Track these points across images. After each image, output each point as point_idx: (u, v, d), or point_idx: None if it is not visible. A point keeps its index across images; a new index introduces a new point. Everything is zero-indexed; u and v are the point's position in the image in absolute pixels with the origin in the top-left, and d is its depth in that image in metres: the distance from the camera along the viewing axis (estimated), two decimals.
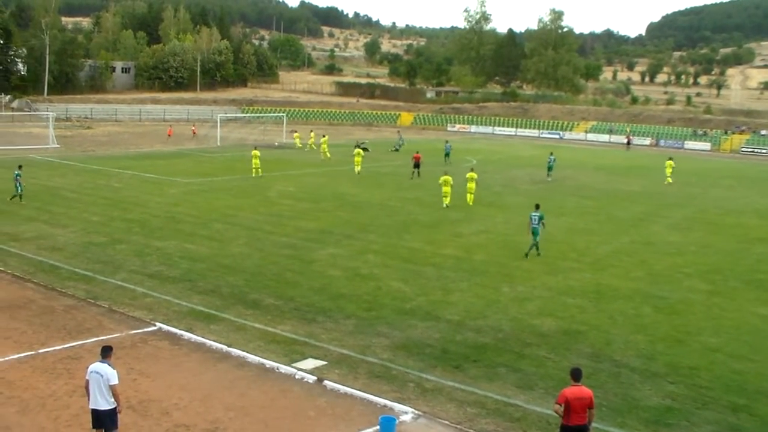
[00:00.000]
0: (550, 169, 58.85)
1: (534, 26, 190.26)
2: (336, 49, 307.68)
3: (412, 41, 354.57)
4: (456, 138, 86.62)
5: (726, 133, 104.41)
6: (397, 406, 15.92)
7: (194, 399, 15.90)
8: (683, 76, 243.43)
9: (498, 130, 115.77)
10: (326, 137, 68.58)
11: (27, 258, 27.48)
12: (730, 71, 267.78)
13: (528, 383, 17.60)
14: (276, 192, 45.26)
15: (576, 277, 27.73)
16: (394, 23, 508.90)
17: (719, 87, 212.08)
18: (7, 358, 17.78)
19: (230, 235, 32.47)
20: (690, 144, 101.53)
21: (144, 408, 15.42)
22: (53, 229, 32.37)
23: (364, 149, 67.34)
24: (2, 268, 25.91)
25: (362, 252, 30.19)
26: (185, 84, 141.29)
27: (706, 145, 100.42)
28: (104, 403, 13.10)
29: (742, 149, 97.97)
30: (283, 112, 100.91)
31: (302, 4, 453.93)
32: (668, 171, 58.80)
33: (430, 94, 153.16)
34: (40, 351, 18.34)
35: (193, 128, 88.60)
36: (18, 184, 38.39)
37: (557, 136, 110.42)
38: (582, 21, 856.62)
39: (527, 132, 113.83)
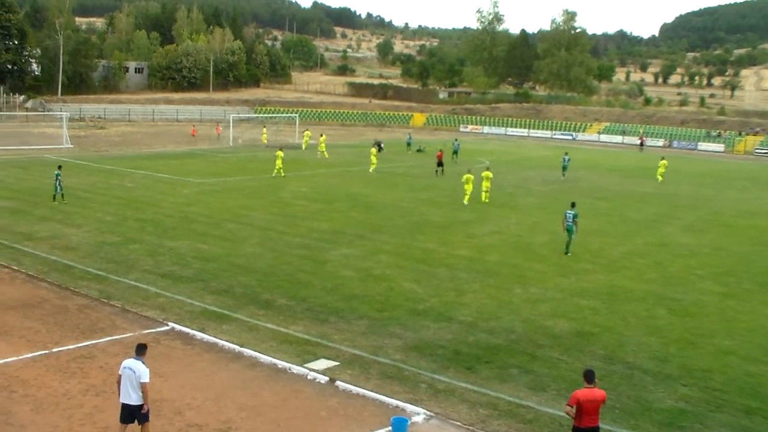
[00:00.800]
0: (564, 168, 59.64)
1: (547, 27, 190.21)
2: (348, 50, 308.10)
3: (425, 42, 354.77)
4: (468, 139, 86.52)
5: (740, 134, 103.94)
6: (409, 407, 15.92)
7: (207, 399, 15.93)
8: (697, 77, 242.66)
9: (511, 131, 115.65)
10: (324, 137, 68.43)
11: (41, 257, 27.60)
12: (744, 72, 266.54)
13: (540, 385, 17.57)
14: (289, 192, 45.31)
15: (589, 278, 27.66)
16: (406, 24, 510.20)
17: (733, 88, 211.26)
18: (21, 357, 17.86)
19: (243, 235, 32.53)
20: (703, 145, 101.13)
21: (156, 408, 15.43)
22: (67, 229, 32.50)
23: (380, 148, 67.69)
24: (16, 267, 26.04)
25: (375, 252, 30.19)
26: (198, 84, 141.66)
27: (719, 147, 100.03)
28: (136, 398, 13.45)
29: (756, 151, 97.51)
30: (296, 113, 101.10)
31: (315, 4, 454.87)
32: (661, 170, 60.09)
33: (442, 95, 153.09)
34: (54, 350, 18.42)
35: (218, 128, 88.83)
36: (58, 184, 38.70)
37: (570, 137, 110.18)
38: (595, 22, 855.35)
39: (540, 133, 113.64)
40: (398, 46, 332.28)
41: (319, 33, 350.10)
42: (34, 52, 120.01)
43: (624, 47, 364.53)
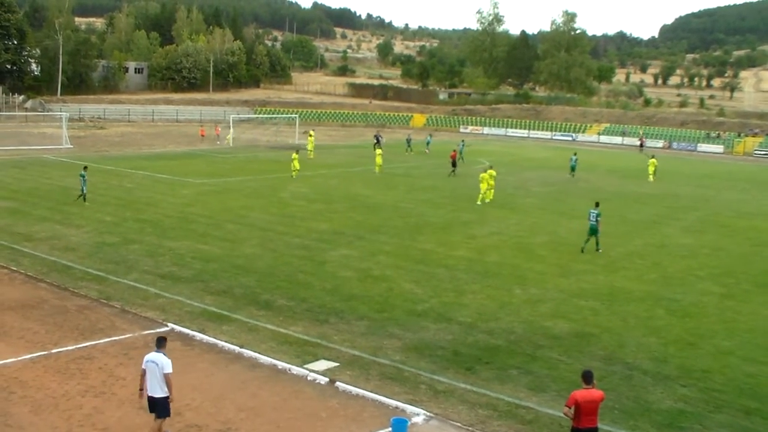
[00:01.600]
0: (572, 169, 60.61)
1: (547, 28, 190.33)
2: (349, 51, 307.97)
3: (425, 43, 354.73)
4: (468, 140, 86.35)
5: (739, 135, 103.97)
6: (409, 408, 15.91)
7: (206, 400, 15.92)
8: (696, 79, 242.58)
9: (511, 131, 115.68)
10: (312, 137, 68.14)
11: (40, 258, 27.59)
12: (743, 74, 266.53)
13: (540, 385, 17.56)
14: (289, 193, 45.30)
15: (589, 279, 27.66)
16: (406, 24, 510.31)
17: (732, 89, 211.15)
18: (20, 358, 17.85)
19: (243, 236, 32.52)
20: (703, 146, 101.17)
21: None
22: (66, 229, 32.49)
23: (378, 141, 68.09)
24: (15, 268, 26.03)
25: (374, 253, 30.19)
26: (198, 85, 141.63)
27: (719, 148, 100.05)
28: (159, 391, 13.75)
29: (756, 152, 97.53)
30: (296, 113, 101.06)
31: (315, 5, 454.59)
32: (651, 169, 60.88)
33: (442, 96, 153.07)
34: (53, 351, 18.41)
35: (216, 129, 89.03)
36: (83, 184, 38.80)
37: (570, 138, 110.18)
38: (595, 23, 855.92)
39: (540, 134, 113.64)
40: (398, 47, 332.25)
41: (319, 33, 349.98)
42: (34, 52, 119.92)
43: (624, 48, 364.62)
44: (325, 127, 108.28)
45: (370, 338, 20.25)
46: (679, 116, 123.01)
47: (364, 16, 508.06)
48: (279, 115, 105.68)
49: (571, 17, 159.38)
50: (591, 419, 12.94)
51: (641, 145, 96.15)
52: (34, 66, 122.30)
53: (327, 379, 17.29)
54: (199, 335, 19.87)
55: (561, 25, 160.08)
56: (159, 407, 13.83)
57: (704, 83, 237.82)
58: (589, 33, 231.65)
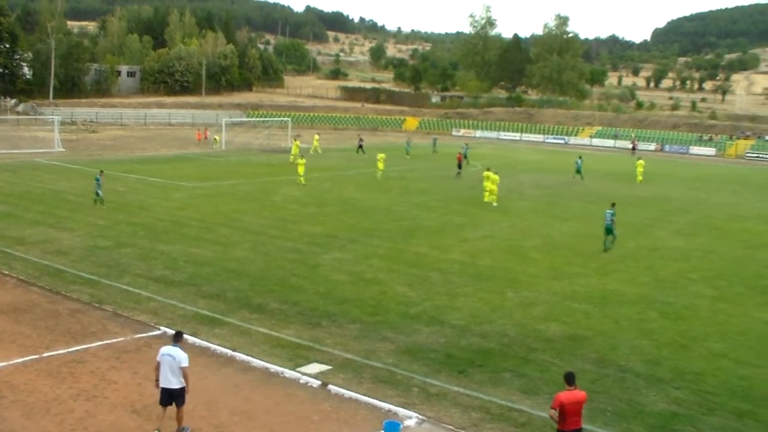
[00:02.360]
0: (578, 171, 61.56)
1: (539, 31, 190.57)
2: (341, 54, 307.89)
3: (418, 46, 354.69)
4: (461, 143, 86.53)
5: (731, 138, 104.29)
6: (402, 411, 15.90)
7: (198, 403, 15.87)
8: (688, 82, 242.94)
9: (503, 135, 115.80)
10: (298, 141, 68.01)
11: (32, 261, 27.50)
12: (735, 77, 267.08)
13: (533, 388, 17.56)
14: (281, 196, 45.27)
15: (581, 282, 27.68)
16: (399, 28, 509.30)
17: (724, 92, 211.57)
18: (11, 362, 17.78)
19: (235, 240, 32.48)
20: (695, 149, 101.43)
21: (148, 412, 15.40)
22: (58, 233, 32.40)
23: (360, 147, 68.49)
24: (7, 272, 25.94)
25: (367, 256, 30.17)
26: (190, 88, 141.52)
27: (711, 151, 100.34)
28: (176, 383, 14.35)
29: (747, 154, 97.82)
30: (288, 117, 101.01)
31: (308, 8, 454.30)
32: (639, 170, 62.01)
33: (435, 99, 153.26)
34: (45, 355, 18.34)
35: (206, 132, 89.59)
36: (98, 189, 38.83)
37: (562, 141, 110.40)
38: (587, 26, 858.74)
39: (532, 137, 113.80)
40: (391, 50, 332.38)
41: (311, 37, 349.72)
42: (26, 55, 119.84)
43: (616, 51, 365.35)
44: (317, 131, 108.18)
45: (363, 341, 20.23)
46: (671, 119, 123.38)
47: (356, 20, 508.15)
48: (271, 119, 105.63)
49: (563, 21, 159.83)
50: (576, 420, 13.02)
51: (633, 148, 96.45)
52: (26, 69, 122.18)
53: (319, 383, 17.26)
54: (191, 338, 19.76)
55: (553, 28, 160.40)
56: (177, 397, 14.41)
57: (696, 86, 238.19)
58: (582, 36, 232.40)
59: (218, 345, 19.39)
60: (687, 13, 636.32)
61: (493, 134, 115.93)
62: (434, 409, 16.19)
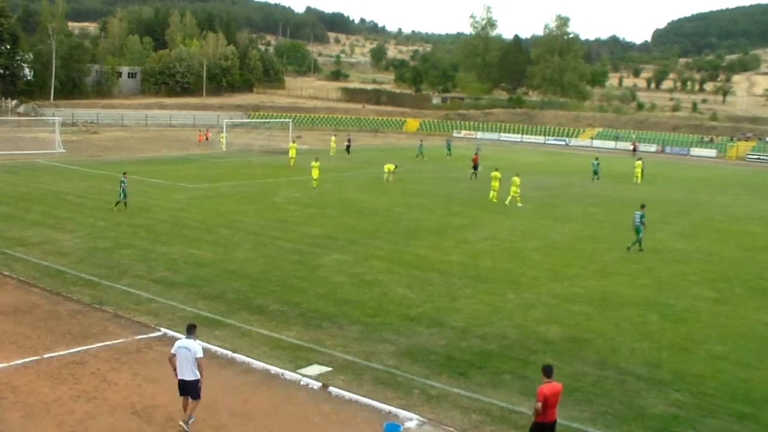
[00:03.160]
0: (595, 173, 62.18)
1: (540, 32, 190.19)
2: (342, 55, 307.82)
3: (418, 47, 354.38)
4: (461, 144, 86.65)
5: (732, 139, 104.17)
6: (402, 413, 15.90)
7: (199, 405, 15.87)
8: (689, 83, 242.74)
9: (504, 136, 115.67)
10: (295, 143, 67.85)
11: (32, 263, 27.51)
12: (735, 78, 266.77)
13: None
14: (282, 198, 45.27)
15: (582, 284, 27.68)
16: (400, 29, 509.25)
17: (725, 94, 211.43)
18: (12, 363, 17.79)
19: (236, 241, 32.48)
20: (696, 151, 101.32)
21: (149, 414, 15.42)
22: (59, 234, 32.41)
23: (348, 148, 68.88)
24: (8, 273, 25.95)
25: (368, 258, 30.18)
26: (191, 89, 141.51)
27: (711, 152, 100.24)
28: (190, 375, 14.79)
29: (748, 156, 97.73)
30: (289, 118, 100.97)
31: (308, 9, 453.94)
32: (637, 171, 62.67)
33: (436, 101, 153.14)
34: (45, 356, 18.35)
35: (207, 133, 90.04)
36: (122, 190, 38.80)
37: (563, 143, 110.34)
38: (588, 27, 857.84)
39: (533, 138, 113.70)
40: (391, 52, 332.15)
41: (312, 38, 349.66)
42: (27, 56, 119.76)
43: (617, 53, 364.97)
44: (318, 132, 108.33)
45: (363, 343, 20.23)
46: (671, 120, 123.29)
47: (357, 21, 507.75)
48: (272, 120, 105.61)
49: (564, 21, 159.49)
50: (553, 412, 13.54)
51: (634, 150, 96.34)
52: (27, 71, 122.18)
53: (320, 384, 17.27)
54: None
55: (554, 29, 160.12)
56: (191, 389, 14.83)
57: (697, 87, 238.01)
58: (582, 37, 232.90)
59: (218, 346, 19.40)
60: (687, 14, 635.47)
61: (494, 136, 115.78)
62: (435, 411, 16.20)
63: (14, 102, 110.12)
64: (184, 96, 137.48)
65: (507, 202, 45.45)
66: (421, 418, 15.76)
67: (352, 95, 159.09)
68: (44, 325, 20.71)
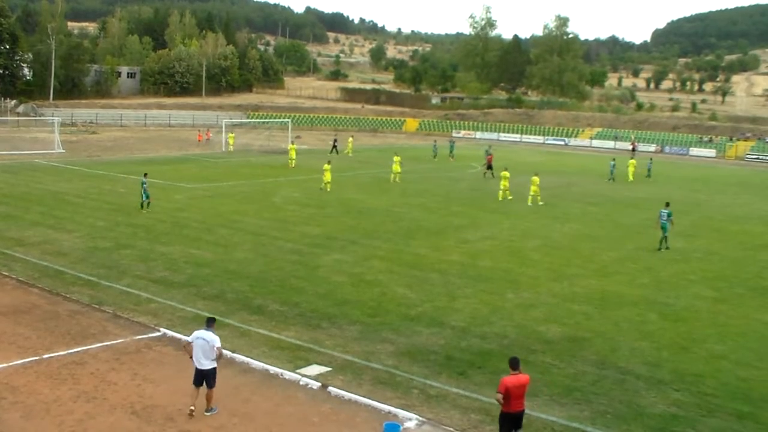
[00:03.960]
0: (611, 174, 62.67)
1: (539, 32, 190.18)
2: (341, 55, 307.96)
3: (418, 47, 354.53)
4: (461, 144, 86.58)
5: (731, 139, 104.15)
6: (402, 413, 15.89)
7: (199, 405, 15.87)
8: (688, 83, 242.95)
9: (503, 136, 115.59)
10: (295, 144, 67.67)
11: (32, 263, 27.50)
12: (735, 78, 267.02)
13: (533, 390, 17.48)
14: (281, 197, 45.26)
15: (581, 283, 27.67)
16: (399, 29, 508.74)
17: (724, 94, 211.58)
18: (11, 364, 17.78)
19: (235, 241, 32.47)
20: (695, 150, 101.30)
21: (148, 414, 15.41)
22: (58, 234, 32.39)
23: (334, 147, 69.05)
24: (7, 273, 25.94)
25: (367, 258, 30.17)
26: (191, 89, 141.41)
27: (711, 152, 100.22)
28: (207, 364, 15.43)
29: (747, 156, 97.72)
30: (289, 118, 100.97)
31: (308, 9, 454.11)
32: (630, 170, 63.53)
33: (435, 100, 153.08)
34: (45, 356, 18.33)
35: (207, 133, 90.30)
36: (144, 191, 38.81)
37: (562, 143, 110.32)
38: (587, 27, 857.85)
39: (532, 138, 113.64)
40: (391, 52, 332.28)
41: (311, 38, 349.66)
42: (26, 56, 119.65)
43: (616, 53, 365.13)
44: (317, 132, 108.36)
45: (363, 343, 20.23)
46: (671, 120, 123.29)
47: (356, 21, 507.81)
48: (271, 120, 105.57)
49: (563, 22, 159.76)
50: (519, 403, 13.89)
51: (633, 150, 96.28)
52: (26, 70, 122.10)
53: (319, 384, 17.26)
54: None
55: (553, 29, 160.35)
56: (209, 378, 15.44)
57: (696, 87, 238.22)
58: (582, 37, 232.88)
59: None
60: (687, 14, 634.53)
61: (493, 135, 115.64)
62: (434, 411, 16.19)
63: (13, 102, 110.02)
64: (183, 96, 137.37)
65: (529, 203, 46.05)
66: (420, 418, 15.75)
67: (351, 95, 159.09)
68: (43, 325, 20.69)
